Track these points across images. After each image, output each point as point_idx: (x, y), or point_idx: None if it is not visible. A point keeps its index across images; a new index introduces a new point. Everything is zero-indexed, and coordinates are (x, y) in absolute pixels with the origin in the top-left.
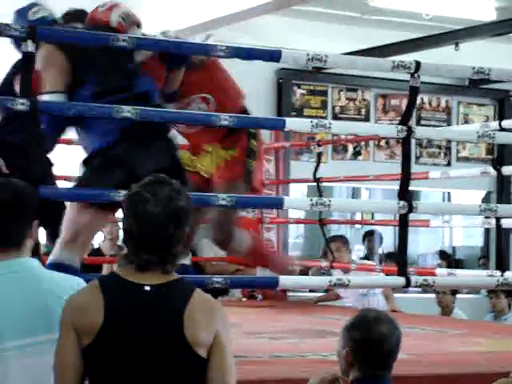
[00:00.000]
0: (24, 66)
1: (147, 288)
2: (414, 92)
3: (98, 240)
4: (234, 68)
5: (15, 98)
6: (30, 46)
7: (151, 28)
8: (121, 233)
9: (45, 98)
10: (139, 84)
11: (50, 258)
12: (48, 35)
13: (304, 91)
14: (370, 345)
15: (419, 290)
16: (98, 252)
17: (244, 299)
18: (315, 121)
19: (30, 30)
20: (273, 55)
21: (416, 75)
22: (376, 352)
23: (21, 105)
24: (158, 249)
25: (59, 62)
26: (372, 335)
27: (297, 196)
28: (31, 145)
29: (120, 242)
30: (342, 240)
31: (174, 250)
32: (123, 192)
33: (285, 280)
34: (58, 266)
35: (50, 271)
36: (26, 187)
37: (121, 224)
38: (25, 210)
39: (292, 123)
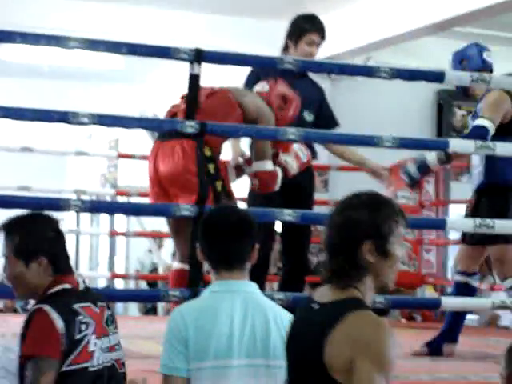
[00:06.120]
0: (190, 88)
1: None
2: None
3: None
4: (394, 89)
5: (184, 121)
6: (196, 69)
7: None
8: None
9: (480, 121)
10: None
11: None
12: (212, 58)
13: (465, 112)
14: None
15: None
16: None
17: (403, 320)
18: (479, 142)
19: (196, 52)
20: (437, 76)
21: None
22: None
23: (189, 127)
24: None
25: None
26: None
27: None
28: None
29: None
30: None
31: None
32: None
33: (447, 301)
34: None
35: (266, 298)
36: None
37: None
38: (250, 233)
39: (455, 144)
